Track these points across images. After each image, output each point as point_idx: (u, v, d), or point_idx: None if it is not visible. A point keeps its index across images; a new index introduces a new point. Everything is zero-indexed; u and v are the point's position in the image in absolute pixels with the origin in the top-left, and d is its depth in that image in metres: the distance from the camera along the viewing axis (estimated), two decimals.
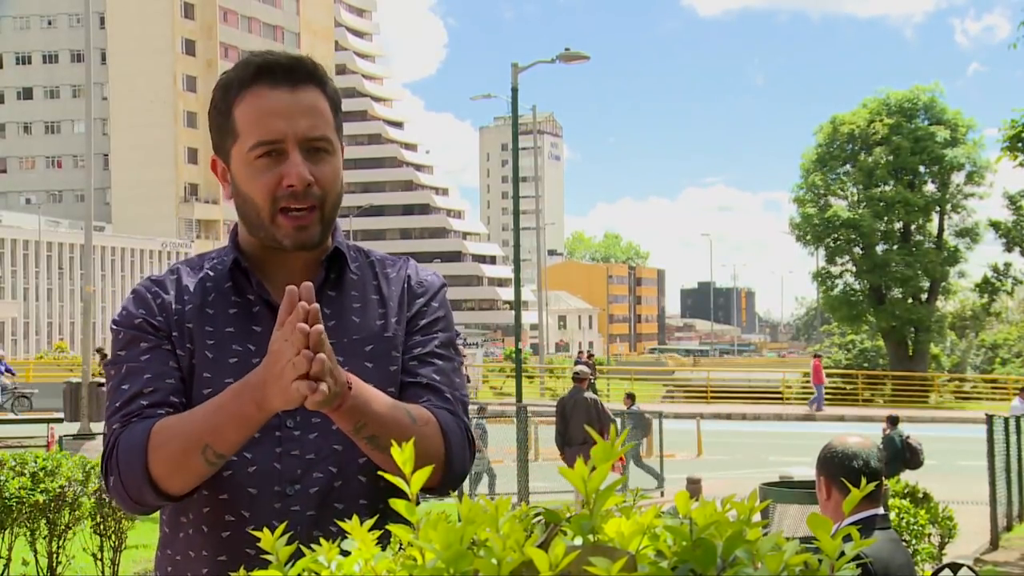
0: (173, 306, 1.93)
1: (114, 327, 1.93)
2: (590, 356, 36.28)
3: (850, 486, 3.26)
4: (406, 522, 1.08)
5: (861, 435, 3.73)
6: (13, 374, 27.23)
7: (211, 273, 1.97)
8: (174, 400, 1.84)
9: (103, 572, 8.08)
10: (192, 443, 1.73)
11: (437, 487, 1.88)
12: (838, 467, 3.47)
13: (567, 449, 13.01)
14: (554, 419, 13.86)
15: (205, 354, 1.89)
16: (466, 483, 14.87)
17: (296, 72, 1.90)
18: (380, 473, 1.63)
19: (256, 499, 1.83)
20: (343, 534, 1.81)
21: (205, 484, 1.80)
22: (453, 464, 1.85)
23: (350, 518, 1.81)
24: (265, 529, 1.19)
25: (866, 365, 39.27)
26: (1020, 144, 13.64)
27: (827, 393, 36.55)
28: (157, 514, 1.98)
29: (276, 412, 1.70)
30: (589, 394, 13.55)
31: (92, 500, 7.89)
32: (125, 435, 1.79)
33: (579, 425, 12.75)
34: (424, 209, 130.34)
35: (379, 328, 1.96)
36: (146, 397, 1.83)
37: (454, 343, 2.04)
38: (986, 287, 38.88)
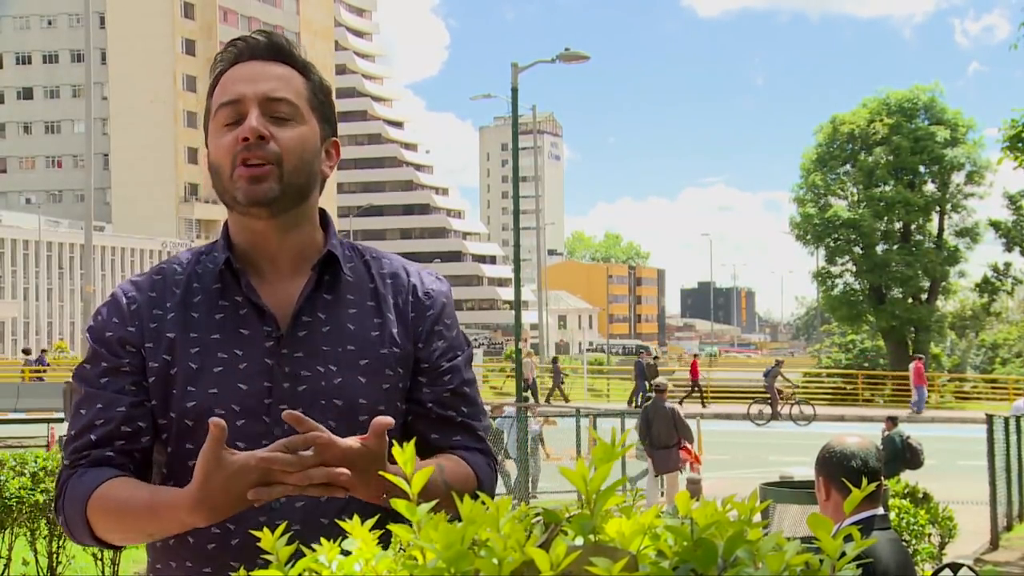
0: (153, 311, 1.89)
1: (87, 333, 1.93)
2: (655, 359, 33.54)
3: (850, 486, 3.26)
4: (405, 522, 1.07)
5: (860, 435, 3.73)
6: None
7: (199, 272, 1.93)
8: (124, 430, 1.84)
9: (103, 572, 8.08)
10: (134, 531, 1.78)
11: None
12: (837, 467, 3.47)
13: (655, 452, 14.45)
14: (551, 420, 14.04)
15: (189, 365, 1.85)
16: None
17: (268, 49, 1.93)
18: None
19: (242, 512, 1.78)
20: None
21: None
22: None
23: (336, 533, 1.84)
24: (265, 528, 1.19)
25: (866, 365, 39.19)
26: (1020, 144, 13.61)
27: (827, 393, 36.51)
28: None
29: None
30: (670, 404, 14.74)
31: None
32: (71, 485, 1.82)
33: (660, 431, 14.17)
34: (424, 209, 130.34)
35: (375, 339, 1.92)
36: (96, 430, 1.84)
37: (471, 359, 2.04)
38: (986, 287, 38.83)
